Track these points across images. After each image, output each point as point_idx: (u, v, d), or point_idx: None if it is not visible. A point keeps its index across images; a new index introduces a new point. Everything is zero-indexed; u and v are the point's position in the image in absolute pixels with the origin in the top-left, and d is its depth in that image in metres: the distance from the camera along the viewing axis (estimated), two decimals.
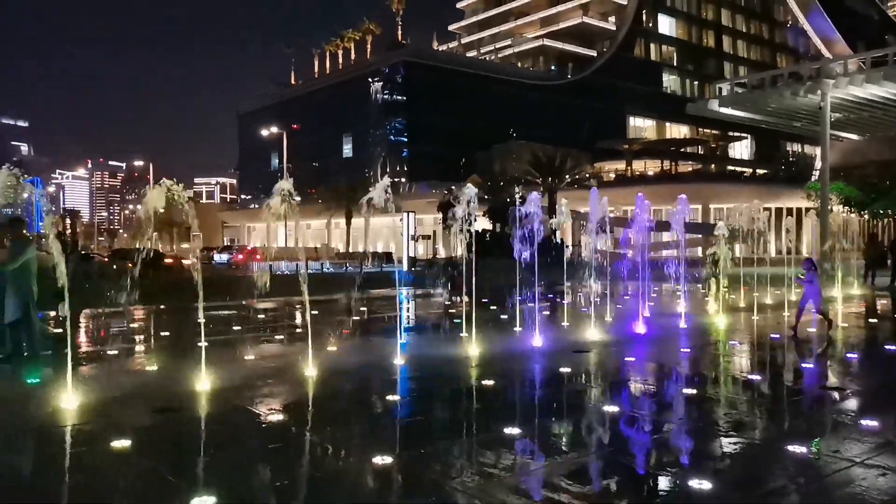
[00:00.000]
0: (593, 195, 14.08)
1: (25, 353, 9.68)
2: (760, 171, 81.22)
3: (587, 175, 64.83)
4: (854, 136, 61.56)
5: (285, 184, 8.63)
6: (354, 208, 60.46)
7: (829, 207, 38.05)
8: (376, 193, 9.40)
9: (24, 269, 9.58)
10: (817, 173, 56.83)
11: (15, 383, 8.65)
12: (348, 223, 65.57)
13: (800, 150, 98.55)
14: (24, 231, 10.38)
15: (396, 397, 8.05)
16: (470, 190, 11.90)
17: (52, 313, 12.15)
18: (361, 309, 17.71)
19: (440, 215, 54.28)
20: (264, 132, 69.02)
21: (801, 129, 56.45)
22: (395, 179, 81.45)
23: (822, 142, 43.95)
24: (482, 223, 45.29)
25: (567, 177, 56.19)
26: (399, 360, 9.86)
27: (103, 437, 6.18)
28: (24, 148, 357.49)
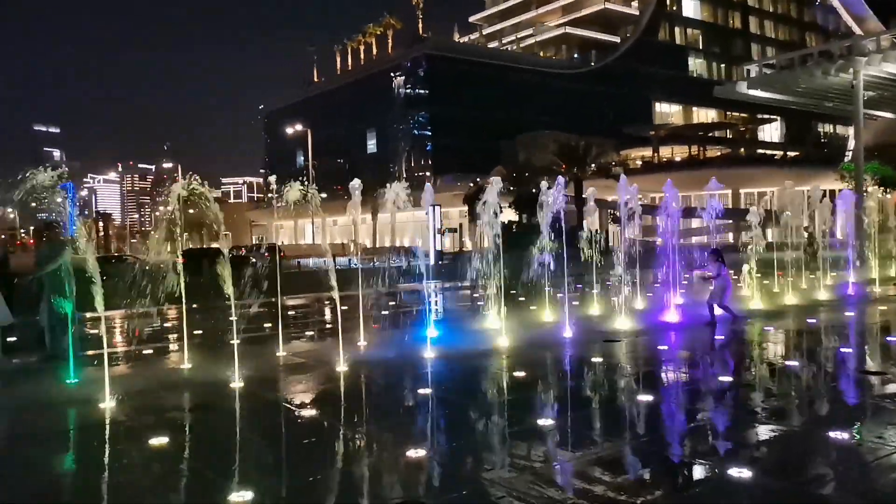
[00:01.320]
0: (622, 183, 13.88)
1: (61, 354, 9.86)
2: (791, 154, 79.61)
3: (613, 163, 64.17)
4: (889, 115, 59.98)
5: (295, 191, 8.71)
6: (380, 203, 60.78)
7: (865, 188, 37.16)
8: (396, 191, 9.48)
9: (58, 272, 9.76)
10: (850, 154, 55.53)
11: (51, 383, 8.78)
12: (374, 219, 65.80)
13: (832, 131, 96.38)
14: (59, 235, 10.56)
15: (428, 389, 8.05)
16: (497, 182, 11.79)
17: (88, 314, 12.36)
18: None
19: (466, 208, 54.24)
20: (289, 130, 69.57)
21: (833, 108, 55.17)
22: (420, 173, 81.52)
23: (855, 121, 42.88)
24: (508, 214, 45.07)
25: (593, 165, 55.66)
26: (431, 353, 9.86)
27: (140, 434, 6.27)
28: (57, 153, 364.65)
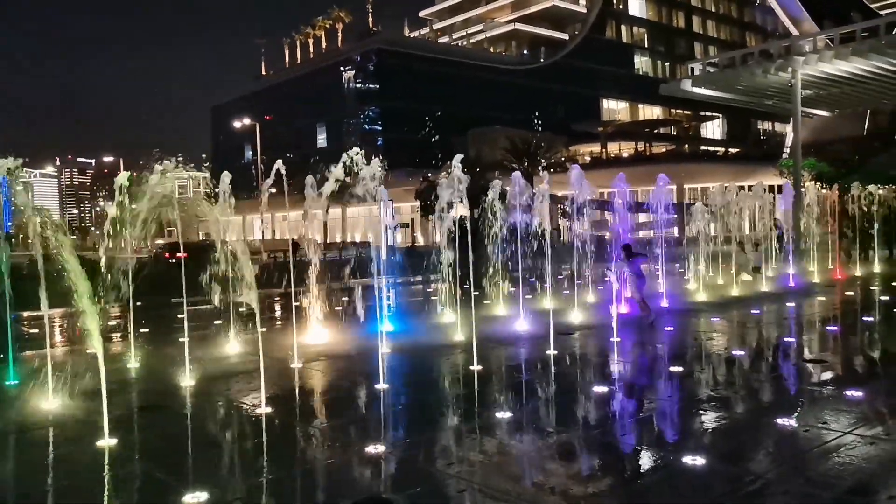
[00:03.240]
0: (575, 171, 14.05)
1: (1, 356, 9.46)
2: (733, 150, 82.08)
3: (563, 158, 64.98)
4: (824, 113, 62.34)
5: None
6: (331, 198, 60.06)
7: (802, 184, 38.49)
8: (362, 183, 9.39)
9: None
10: (788, 150, 57.53)
11: None
12: (325, 214, 65.06)
13: (771, 128, 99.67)
14: None
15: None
16: (456, 171, 11.52)
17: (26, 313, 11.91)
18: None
19: (417, 203, 54.16)
20: (237, 124, 68.19)
21: (773, 106, 57.03)
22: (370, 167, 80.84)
23: (793, 118, 44.32)
24: (460, 209, 45.14)
25: (543, 161, 56.24)
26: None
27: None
28: None
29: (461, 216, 12.47)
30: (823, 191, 29.29)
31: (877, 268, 21.91)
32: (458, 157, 10.97)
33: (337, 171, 9.45)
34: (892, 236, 26.14)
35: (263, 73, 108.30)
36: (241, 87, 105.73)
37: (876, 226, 23.25)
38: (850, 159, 42.85)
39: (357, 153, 9.72)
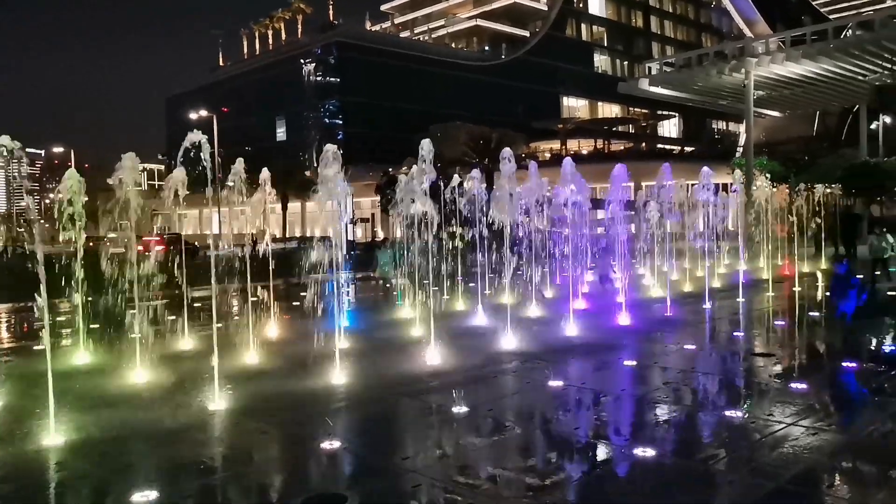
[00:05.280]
0: (532, 170, 14.21)
1: None
2: (688, 149, 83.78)
3: (522, 155, 65.45)
4: (776, 114, 64.08)
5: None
6: (290, 192, 59.42)
7: (754, 182, 39.51)
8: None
9: None
10: (741, 149, 59.01)
11: None
12: (284, 208, 64.40)
13: (725, 128, 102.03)
14: None
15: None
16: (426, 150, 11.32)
17: None
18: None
19: (378, 198, 53.97)
20: (193, 116, 66.89)
21: (727, 106, 58.36)
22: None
23: (746, 118, 45.55)
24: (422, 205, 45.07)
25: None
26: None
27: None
28: None
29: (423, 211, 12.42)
30: (774, 189, 30.07)
31: (824, 264, 22.64)
32: (426, 141, 10.74)
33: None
34: (838, 234, 27.02)
35: (221, 63, 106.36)
36: (198, 79, 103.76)
37: (821, 223, 24.01)
38: (800, 159, 44.15)
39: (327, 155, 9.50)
